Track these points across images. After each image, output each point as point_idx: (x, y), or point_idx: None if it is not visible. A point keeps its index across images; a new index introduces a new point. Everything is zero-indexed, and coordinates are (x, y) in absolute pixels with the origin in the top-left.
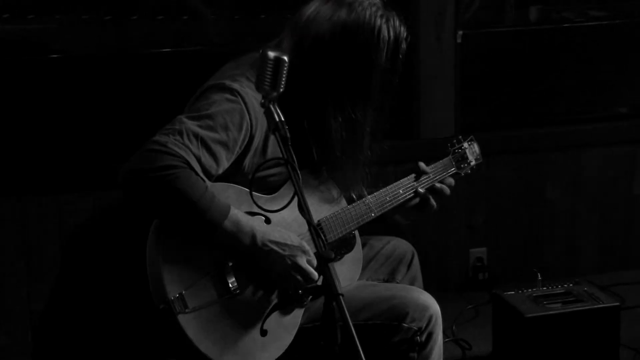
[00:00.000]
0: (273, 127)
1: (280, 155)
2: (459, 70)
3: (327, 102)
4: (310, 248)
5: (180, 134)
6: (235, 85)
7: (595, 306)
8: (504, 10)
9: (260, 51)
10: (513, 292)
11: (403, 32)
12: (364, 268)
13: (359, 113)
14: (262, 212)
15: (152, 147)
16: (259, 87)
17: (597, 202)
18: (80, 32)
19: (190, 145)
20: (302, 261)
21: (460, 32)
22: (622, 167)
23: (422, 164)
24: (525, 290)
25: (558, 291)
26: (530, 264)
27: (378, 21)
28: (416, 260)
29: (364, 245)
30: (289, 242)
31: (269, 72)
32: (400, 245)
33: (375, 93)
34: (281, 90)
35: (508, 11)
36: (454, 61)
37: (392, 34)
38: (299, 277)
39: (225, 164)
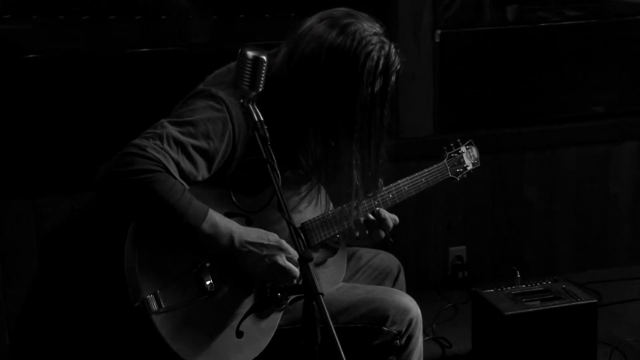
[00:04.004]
0: (252, 126)
1: (247, 158)
2: (437, 69)
3: (308, 121)
4: (289, 246)
5: (161, 138)
6: (221, 94)
7: (573, 303)
8: (482, 10)
9: (239, 50)
10: (492, 290)
11: (396, 64)
12: (350, 278)
13: (342, 143)
14: (243, 212)
15: (131, 150)
16: (237, 87)
17: (574, 201)
18: (57, 32)
19: (170, 150)
20: (282, 260)
21: (438, 32)
22: (599, 166)
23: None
24: (504, 288)
25: (536, 289)
26: (508, 262)
27: (368, 49)
28: (402, 276)
29: (352, 255)
30: (266, 242)
31: (247, 72)
32: (387, 260)
33: (361, 125)
34: (260, 89)
35: (485, 10)
36: (432, 60)
37: (381, 64)
38: (279, 276)
39: (205, 172)
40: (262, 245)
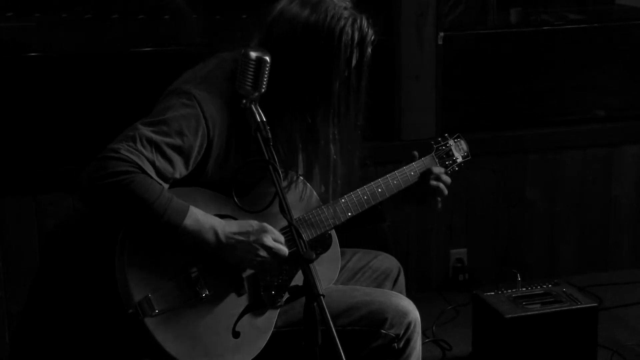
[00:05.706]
0: (254, 127)
1: (246, 159)
2: (440, 71)
3: (286, 105)
4: (272, 227)
5: (134, 140)
6: (193, 90)
7: (574, 307)
8: (485, 13)
9: (242, 51)
10: (493, 293)
11: (370, 35)
12: (349, 280)
13: (319, 119)
14: (245, 211)
15: (105, 154)
16: (240, 87)
17: (576, 204)
18: (59, 31)
19: (144, 151)
20: (269, 241)
21: (442, 34)
22: (601, 168)
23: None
24: (505, 291)
25: (537, 292)
26: (510, 265)
27: (341, 23)
28: (402, 277)
29: (352, 256)
30: (249, 229)
31: (250, 73)
32: (387, 261)
33: (339, 98)
34: (263, 90)
35: (489, 13)
36: (435, 62)
37: (356, 36)
38: (267, 257)
39: (182, 169)
40: (247, 232)
